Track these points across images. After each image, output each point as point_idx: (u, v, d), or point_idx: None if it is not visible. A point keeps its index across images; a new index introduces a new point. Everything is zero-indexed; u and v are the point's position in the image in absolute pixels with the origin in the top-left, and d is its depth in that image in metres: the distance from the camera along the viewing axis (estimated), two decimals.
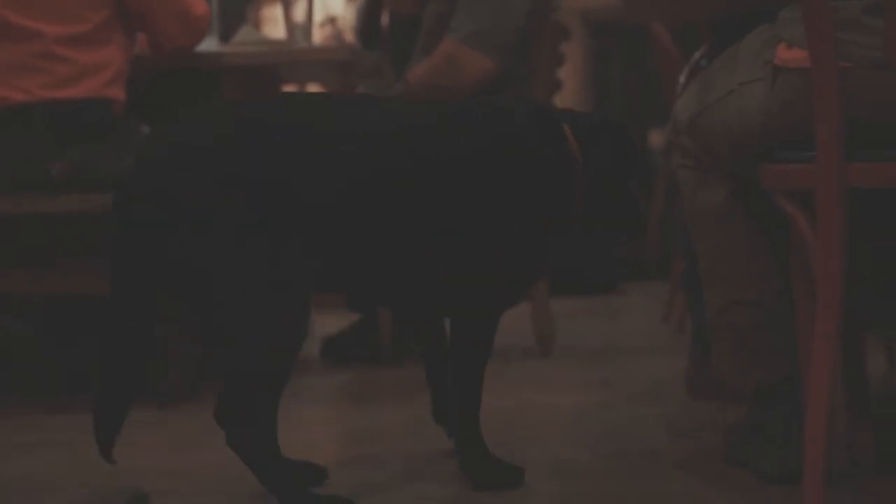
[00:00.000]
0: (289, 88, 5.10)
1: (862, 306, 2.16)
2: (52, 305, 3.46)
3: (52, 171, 2.85)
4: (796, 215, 1.80)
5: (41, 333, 3.48)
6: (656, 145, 6.56)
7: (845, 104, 1.73)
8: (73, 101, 2.87)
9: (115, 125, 2.92)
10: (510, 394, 2.91)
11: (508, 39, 3.29)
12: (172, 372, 2.88)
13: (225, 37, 3.60)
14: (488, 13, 3.26)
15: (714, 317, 2.12)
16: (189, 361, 2.98)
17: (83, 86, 2.89)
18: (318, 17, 5.50)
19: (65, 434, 2.59)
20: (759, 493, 1.96)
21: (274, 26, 5.55)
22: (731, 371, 2.12)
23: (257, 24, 5.39)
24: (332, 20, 5.81)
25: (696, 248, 2.14)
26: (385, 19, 4.04)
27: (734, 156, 2.01)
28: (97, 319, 3.28)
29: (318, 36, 5.57)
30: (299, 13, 4.16)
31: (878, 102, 1.77)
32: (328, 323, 3.85)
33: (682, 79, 3.19)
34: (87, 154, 2.87)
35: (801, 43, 1.79)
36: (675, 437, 2.47)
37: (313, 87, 5.40)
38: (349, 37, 5.59)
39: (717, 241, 2.08)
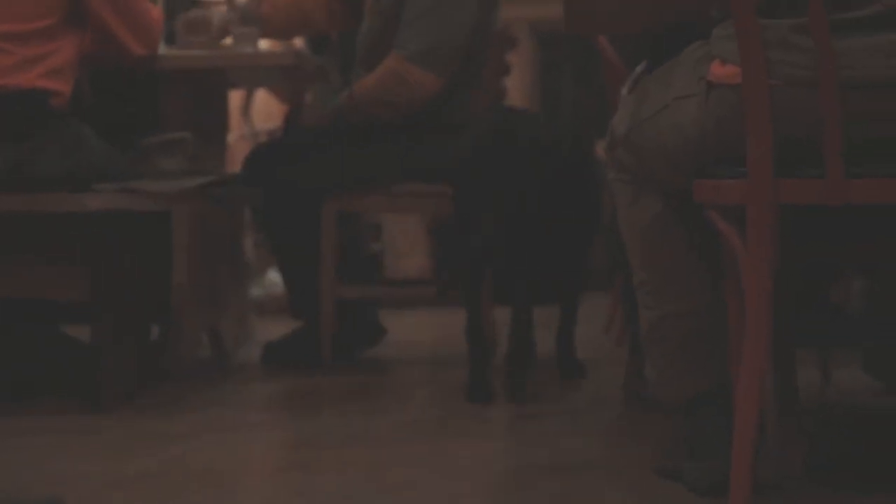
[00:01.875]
0: (236, 92, 5.08)
1: (793, 324, 2.18)
2: None
3: None
4: (728, 232, 1.81)
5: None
6: (603, 157, 6.58)
7: (776, 122, 1.75)
8: (13, 89, 2.83)
9: (55, 119, 2.86)
10: (447, 401, 2.92)
11: (453, 55, 3.34)
12: (107, 380, 2.85)
13: (170, 40, 3.58)
14: (433, 29, 3.31)
15: (647, 329, 2.13)
16: (124, 369, 2.95)
17: (22, 76, 2.84)
18: None
19: None
20: None
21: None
22: (663, 382, 2.13)
23: None
24: None
25: (630, 261, 2.15)
26: None
27: (669, 171, 2.02)
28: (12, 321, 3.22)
29: (267, 40, 5.54)
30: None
31: (806, 121, 1.78)
32: (270, 329, 3.84)
33: (624, 91, 3.21)
34: (26, 152, 2.82)
35: (735, 59, 1.80)
36: (611, 449, 2.49)
37: (261, 92, 5.38)
38: (299, 42, 5.57)
39: (652, 255, 2.09)
